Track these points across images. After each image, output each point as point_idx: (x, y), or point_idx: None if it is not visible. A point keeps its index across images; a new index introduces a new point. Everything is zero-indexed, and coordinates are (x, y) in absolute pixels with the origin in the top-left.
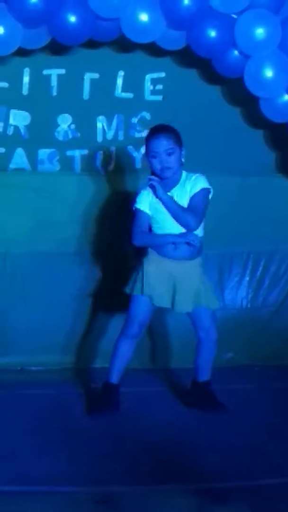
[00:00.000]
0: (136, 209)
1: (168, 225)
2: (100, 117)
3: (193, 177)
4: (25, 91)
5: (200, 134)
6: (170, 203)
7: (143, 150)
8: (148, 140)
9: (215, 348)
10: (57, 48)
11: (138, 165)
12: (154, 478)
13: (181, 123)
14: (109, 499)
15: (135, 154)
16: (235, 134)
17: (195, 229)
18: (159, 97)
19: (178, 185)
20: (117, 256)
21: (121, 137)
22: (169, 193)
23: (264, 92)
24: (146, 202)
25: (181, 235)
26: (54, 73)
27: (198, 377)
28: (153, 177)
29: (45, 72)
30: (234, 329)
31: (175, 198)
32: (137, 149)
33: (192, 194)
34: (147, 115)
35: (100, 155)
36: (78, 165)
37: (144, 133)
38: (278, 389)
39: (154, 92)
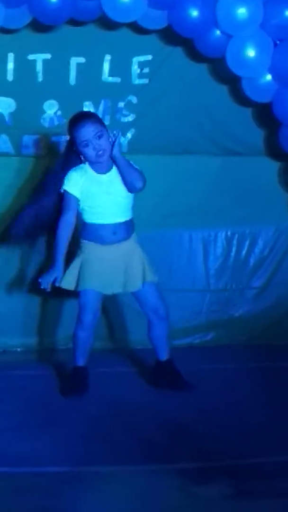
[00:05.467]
0: (65, 191)
1: (103, 213)
2: (87, 103)
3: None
4: (9, 77)
5: (188, 114)
6: (124, 159)
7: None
8: (74, 130)
9: (167, 324)
10: (42, 32)
11: (124, 149)
12: (137, 458)
13: (167, 103)
14: (91, 479)
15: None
16: (222, 113)
17: (140, 189)
18: (146, 81)
19: (114, 169)
20: None
21: (107, 121)
22: (105, 175)
23: (246, 71)
24: (76, 185)
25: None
26: (39, 58)
27: (158, 356)
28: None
29: (30, 57)
30: (218, 310)
31: (113, 179)
32: (124, 134)
33: None
34: (133, 99)
35: None
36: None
37: (131, 117)
38: (261, 369)
39: (141, 76)
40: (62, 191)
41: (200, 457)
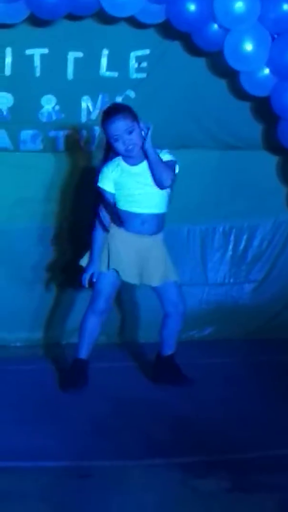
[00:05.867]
0: (99, 188)
1: (137, 202)
2: (85, 97)
3: (162, 152)
4: (7, 71)
5: (186, 108)
6: (155, 155)
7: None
8: (105, 125)
9: (182, 321)
10: (39, 26)
11: None
12: (137, 452)
13: (165, 98)
14: (93, 473)
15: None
16: (221, 107)
17: (167, 187)
18: (144, 75)
19: (146, 160)
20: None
21: None
22: (137, 167)
23: (244, 65)
24: (108, 180)
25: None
26: (37, 53)
27: (162, 351)
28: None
29: (28, 52)
30: (216, 304)
31: (144, 171)
32: None
33: None
34: (131, 94)
35: (83, 135)
36: (61, 145)
37: None
38: (259, 363)
39: (138, 70)
40: (97, 187)
41: (199, 451)
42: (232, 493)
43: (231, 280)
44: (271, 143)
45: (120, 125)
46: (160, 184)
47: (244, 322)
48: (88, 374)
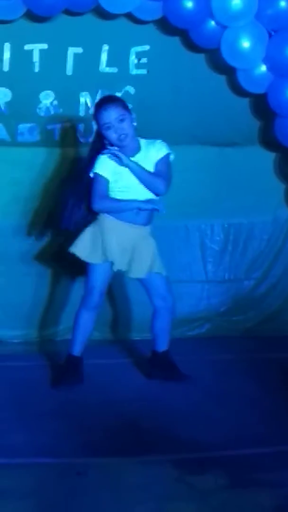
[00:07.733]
0: (96, 174)
1: (134, 191)
2: (84, 93)
3: (156, 143)
4: (5, 67)
5: (185, 105)
6: (138, 169)
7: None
8: (97, 114)
9: (172, 315)
10: (39, 22)
11: None
12: (133, 449)
13: (165, 94)
14: (88, 470)
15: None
16: (220, 103)
17: (163, 194)
18: (143, 71)
19: (140, 152)
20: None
21: None
22: (133, 158)
23: (241, 62)
24: (107, 168)
25: (148, 201)
26: (36, 48)
27: (156, 347)
28: (111, 148)
29: (26, 47)
30: (215, 301)
31: (139, 162)
32: None
33: (157, 159)
34: (131, 90)
35: (81, 128)
36: (58, 138)
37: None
38: (258, 360)
39: (138, 66)
40: (92, 174)
41: (195, 447)
42: (228, 490)
43: (231, 277)
44: (270, 140)
45: (111, 113)
46: (156, 193)
47: (243, 319)
48: (83, 371)
